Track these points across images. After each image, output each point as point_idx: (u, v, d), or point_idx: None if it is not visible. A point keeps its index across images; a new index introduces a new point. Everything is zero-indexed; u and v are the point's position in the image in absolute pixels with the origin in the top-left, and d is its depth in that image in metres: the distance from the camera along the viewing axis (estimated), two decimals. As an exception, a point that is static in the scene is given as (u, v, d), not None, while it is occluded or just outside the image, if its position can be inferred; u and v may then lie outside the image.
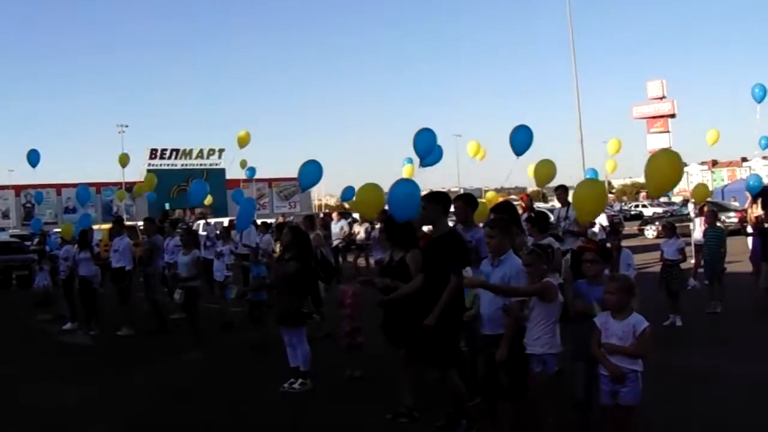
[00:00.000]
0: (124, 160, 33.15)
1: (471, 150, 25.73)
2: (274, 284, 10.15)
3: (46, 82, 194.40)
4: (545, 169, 13.47)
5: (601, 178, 33.55)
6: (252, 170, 40.05)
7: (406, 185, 8.58)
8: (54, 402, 9.54)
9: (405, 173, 18.67)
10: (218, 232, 18.61)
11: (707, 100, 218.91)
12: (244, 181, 51.49)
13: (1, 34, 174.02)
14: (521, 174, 14.53)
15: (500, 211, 8.94)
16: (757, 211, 16.92)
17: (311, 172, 13.05)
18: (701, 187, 21.41)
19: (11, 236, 36.39)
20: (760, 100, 30.75)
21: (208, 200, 52.30)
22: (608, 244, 10.05)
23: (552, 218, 13.09)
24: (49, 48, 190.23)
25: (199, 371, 10.88)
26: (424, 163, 12.83)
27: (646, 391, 5.86)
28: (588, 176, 27.56)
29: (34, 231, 26.49)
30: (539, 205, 25.37)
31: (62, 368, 11.69)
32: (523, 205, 13.00)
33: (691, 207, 21.58)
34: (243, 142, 26.80)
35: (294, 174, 32.11)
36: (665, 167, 8.18)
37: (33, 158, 25.24)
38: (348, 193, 27.80)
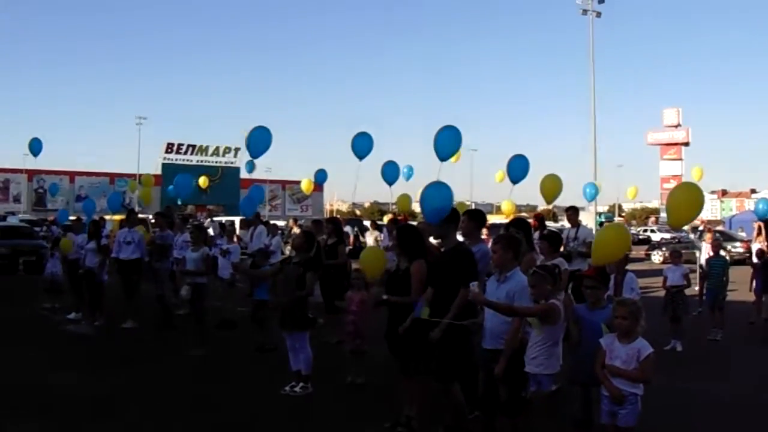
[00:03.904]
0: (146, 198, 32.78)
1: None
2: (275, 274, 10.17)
3: (66, 69, 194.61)
4: (551, 184, 13.56)
5: (602, 194, 33.71)
6: (251, 164, 39.81)
7: (438, 188, 8.66)
8: (55, 393, 9.58)
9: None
10: (221, 230, 18.66)
11: (721, 131, 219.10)
12: (258, 180, 51.69)
13: (24, 20, 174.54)
14: (533, 191, 14.64)
15: (515, 227, 9.05)
16: (760, 242, 17.18)
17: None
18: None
19: (21, 221, 36.41)
20: None
21: (204, 182, 52.48)
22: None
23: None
24: (71, 37, 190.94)
25: (200, 370, 10.90)
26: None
27: (644, 413, 5.90)
28: (588, 191, 27.62)
29: (59, 221, 26.67)
30: (549, 225, 25.41)
31: (65, 359, 11.77)
32: (534, 223, 13.00)
33: (692, 236, 21.70)
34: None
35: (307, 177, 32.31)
36: (686, 200, 8.20)
37: (35, 147, 25.16)
38: (320, 176, 28.20)
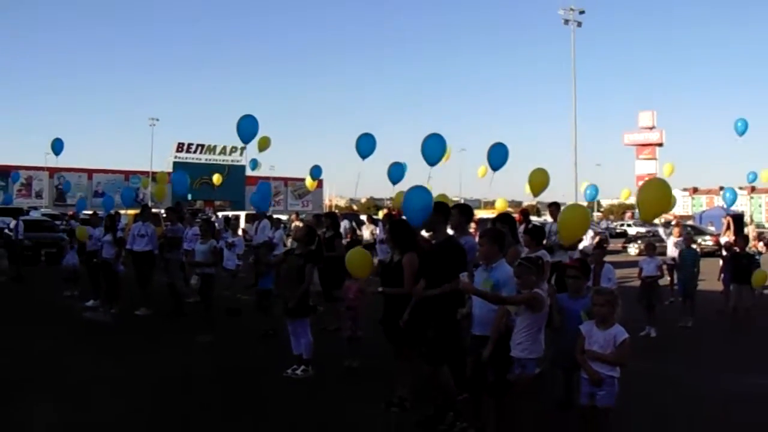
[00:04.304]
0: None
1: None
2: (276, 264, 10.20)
3: (84, 75, 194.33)
4: (539, 178, 13.57)
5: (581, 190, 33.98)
6: (254, 162, 39.59)
7: (418, 192, 8.72)
8: (73, 376, 9.56)
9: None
10: (225, 224, 18.68)
11: (692, 133, 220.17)
12: (262, 178, 51.70)
13: (44, 27, 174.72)
14: (518, 188, 14.70)
15: (501, 222, 9.06)
16: (728, 236, 17.33)
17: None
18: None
19: (43, 215, 36.41)
20: (741, 133, 31.12)
21: (217, 179, 52.81)
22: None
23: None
24: (89, 44, 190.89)
25: (208, 354, 10.86)
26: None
27: (621, 394, 5.91)
28: (589, 192, 27.75)
29: (77, 212, 27.10)
30: (533, 219, 25.68)
31: (82, 343, 11.79)
32: (519, 218, 13.03)
33: (661, 230, 21.78)
34: (262, 147, 26.59)
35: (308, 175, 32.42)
36: (656, 196, 8.19)
37: (57, 147, 25.21)
38: (316, 171, 28.21)
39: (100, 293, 15.24)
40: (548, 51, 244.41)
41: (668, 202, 8.30)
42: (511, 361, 6.45)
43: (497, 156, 13.29)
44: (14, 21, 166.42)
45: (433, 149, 11.99)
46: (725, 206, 30.86)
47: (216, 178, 52.47)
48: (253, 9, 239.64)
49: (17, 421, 7.56)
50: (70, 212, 33.17)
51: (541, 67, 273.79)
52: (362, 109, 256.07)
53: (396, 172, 16.91)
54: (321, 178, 32.57)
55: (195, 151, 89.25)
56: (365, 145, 15.77)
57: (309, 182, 33.17)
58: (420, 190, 8.74)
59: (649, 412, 7.97)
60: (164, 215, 20.54)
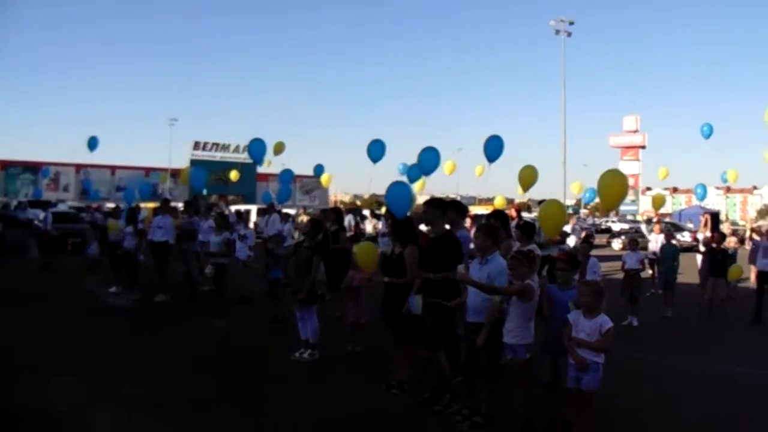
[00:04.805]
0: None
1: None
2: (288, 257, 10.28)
3: (107, 76, 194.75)
4: (528, 174, 13.57)
5: (569, 190, 33.99)
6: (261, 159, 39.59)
7: (399, 187, 9.13)
8: (97, 356, 9.57)
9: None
10: (237, 217, 18.75)
11: (672, 136, 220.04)
12: (273, 175, 51.67)
13: (68, 32, 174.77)
14: (511, 186, 14.71)
15: (495, 218, 9.08)
16: (703, 233, 17.42)
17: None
18: (658, 198, 21.94)
19: (69, 208, 36.46)
20: (707, 137, 31.32)
21: (235, 175, 52.91)
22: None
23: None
24: (112, 45, 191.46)
25: (221, 337, 10.87)
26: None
27: (605, 379, 5.94)
28: (588, 195, 27.87)
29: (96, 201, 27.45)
30: (524, 215, 25.86)
31: (105, 327, 11.76)
32: (513, 214, 13.03)
33: (643, 227, 21.90)
34: (277, 151, 26.45)
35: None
36: (613, 184, 8.22)
37: (92, 144, 25.35)
38: (318, 169, 28.29)
39: (122, 280, 15.27)
40: (541, 58, 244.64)
41: (624, 190, 8.29)
42: (503, 347, 6.47)
43: (493, 148, 13.31)
44: (39, 21, 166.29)
45: (429, 161, 12.20)
46: (700, 203, 31.10)
47: (233, 175, 52.58)
48: (256, 10, 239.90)
49: (42, 399, 7.56)
50: (94, 205, 33.20)
51: (533, 73, 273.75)
52: (365, 107, 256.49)
53: (413, 173, 17.11)
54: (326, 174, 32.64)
55: (210, 149, 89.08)
56: (376, 150, 15.93)
57: (324, 179, 33.42)
58: (401, 186, 8.95)
59: (632, 396, 7.98)
60: (181, 209, 20.57)
